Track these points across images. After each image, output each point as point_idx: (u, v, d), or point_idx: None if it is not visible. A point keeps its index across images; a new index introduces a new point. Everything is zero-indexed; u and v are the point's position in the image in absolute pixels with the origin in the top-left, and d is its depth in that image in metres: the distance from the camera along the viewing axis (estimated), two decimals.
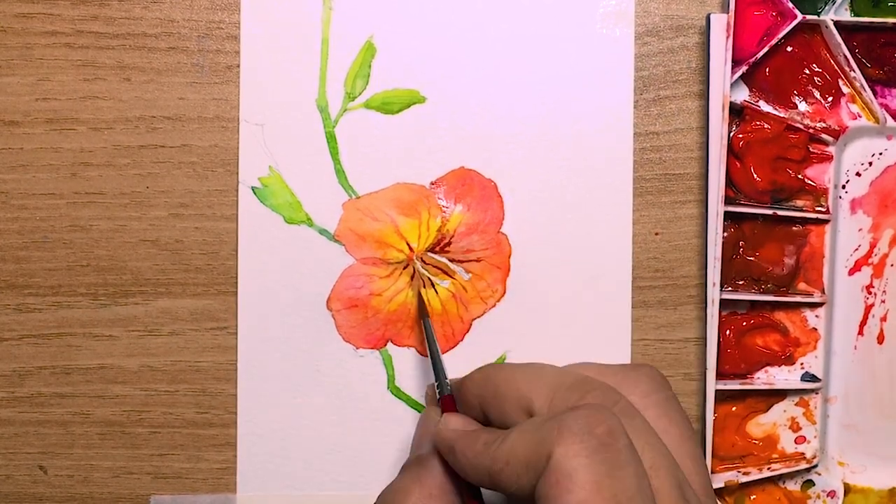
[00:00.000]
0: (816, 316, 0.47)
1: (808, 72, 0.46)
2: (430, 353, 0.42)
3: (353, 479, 0.46)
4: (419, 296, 0.45)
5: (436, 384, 0.41)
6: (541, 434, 0.33)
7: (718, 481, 0.46)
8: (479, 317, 0.46)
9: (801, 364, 0.47)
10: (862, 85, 0.45)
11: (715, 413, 0.45)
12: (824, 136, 0.46)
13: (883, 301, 0.47)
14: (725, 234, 0.45)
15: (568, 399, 0.35)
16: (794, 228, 0.46)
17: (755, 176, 0.45)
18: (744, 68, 0.45)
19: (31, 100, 0.45)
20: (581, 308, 0.46)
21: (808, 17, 0.45)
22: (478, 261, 0.46)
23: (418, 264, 0.46)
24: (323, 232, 0.45)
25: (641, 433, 0.34)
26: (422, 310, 0.45)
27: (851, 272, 0.47)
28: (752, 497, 0.46)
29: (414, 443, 0.40)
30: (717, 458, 0.46)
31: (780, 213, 0.46)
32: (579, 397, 0.35)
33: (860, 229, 0.47)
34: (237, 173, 0.45)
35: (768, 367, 0.47)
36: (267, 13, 0.45)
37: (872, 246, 0.47)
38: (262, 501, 0.46)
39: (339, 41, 0.45)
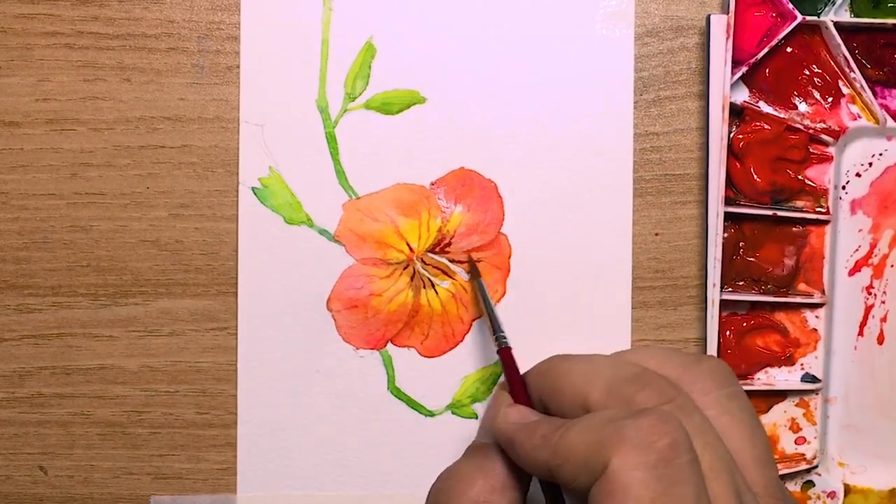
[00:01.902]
0: (816, 317, 0.47)
1: (807, 73, 0.46)
2: (486, 309, 0.43)
3: (353, 479, 0.46)
4: (470, 258, 0.45)
5: (495, 341, 0.41)
6: (600, 437, 0.32)
7: None
8: (479, 317, 0.46)
9: (801, 365, 0.47)
10: (862, 86, 0.45)
11: None
12: (824, 136, 0.46)
13: (883, 302, 0.47)
14: (725, 235, 0.45)
15: (624, 393, 0.34)
16: (794, 229, 0.46)
17: (755, 176, 0.45)
18: (744, 69, 0.45)
19: (32, 100, 0.45)
20: (581, 308, 0.46)
21: (808, 17, 0.45)
22: (478, 261, 0.46)
23: (418, 265, 0.46)
24: (323, 232, 0.45)
25: (700, 433, 0.32)
26: (473, 271, 0.45)
27: (851, 273, 0.47)
28: None
29: (481, 426, 0.40)
30: None
31: (780, 213, 0.46)
32: (636, 391, 0.33)
33: (860, 230, 0.47)
34: (237, 174, 0.45)
35: (768, 368, 0.47)
36: (267, 13, 0.45)
37: (872, 247, 0.47)
38: (262, 502, 0.46)
39: (339, 42, 0.45)
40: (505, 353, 0.41)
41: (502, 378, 0.42)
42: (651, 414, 0.32)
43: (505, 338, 0.41)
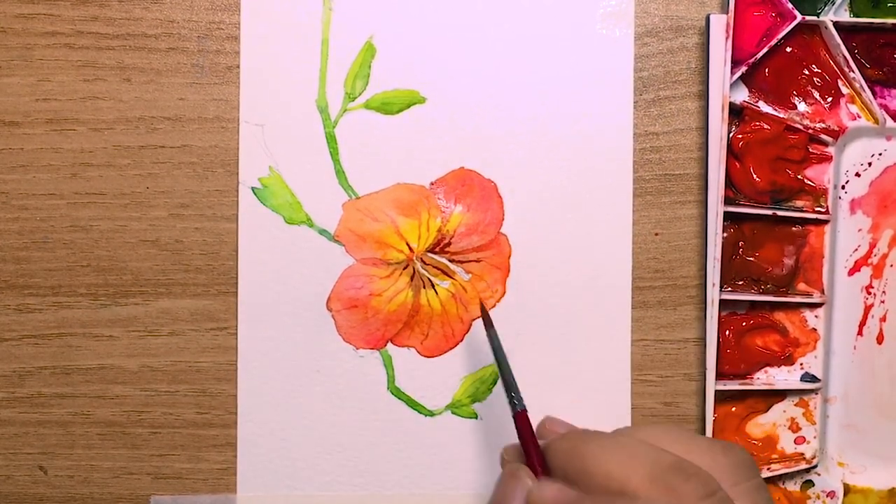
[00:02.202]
0: (816, 316, 0.47)
1: (807, 72, 0.46)
2: (499, 365, 0.40)
3: (353, 479, 0.46)
4: (482, 306, 0.44)
5: (509, 402, 0.39)
6: None
7: None
8: (479, 317, 0.46)
9: (801, 364, 0.47)
10: (861, 85, 0.45)
11: (715, 413, 0.45)
12: (824, 136, 0.46)
13: (882, 301, 0.47)
14: (725, 235, 0.45)
15: (669, 482, 0.33)
16: (793, 229, 0.46)
17: (755, 176, 0.46)
18: (743, 69, 0.45)
19: (32, 100, 0.45)
20: (581, 308, 0.46)
21: (808, 17, 0.45)
22: (478, 261, 0.46)
23: (418, 265, 0.46)
24: (323, 232, 0.45)
25: None
26: (486, 320, 0.42)
27: (851, 272, 0.47)
28: None
29: (493, 502, 0.37)
30: None
31: (779, 213, 0.46)
32: (681, 481, 0.33)
33: (860, 230, 0.47)
34: (237, 174, 0.45)
35: (768, 368, 0.47)
36: (267, 13, 0.45)
37: (872, 246, 0.47)
38: (262, 501, 0.46)
39: (339, 42, 0.45)
40: (521, 417, 0.38)
41: (508, 445, 0.39)
42: None
43: (521, 399, 0.39)
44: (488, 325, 0.42)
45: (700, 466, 0.34)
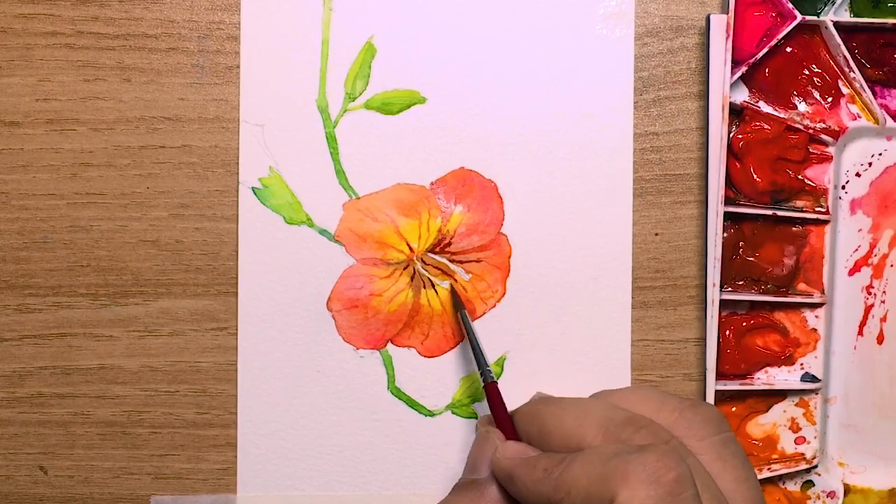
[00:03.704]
0: (816, 316, 0.47)
1: (807, 72, 0.46)
2: (471, 342, 0.43)
3: (353, 479, 0.46)
4: (452, 288, 0.45)
5: (480, 376, 0.42)
6: (606, 470, 0.32)
7: None
8: (479, 317, 0.46)
9: (801, 364, 0.47)
10: (861, 85, 0.45)
11: None
12: (824, 136, 0.46)
13: (883, 301, 0.47)
14: (725, 235, 0.45)
15: (621, 435, 0.35)
16: (793, 229, 0.46)
17: (755, 176, 0.46)
18: (743, 69, 0.45)
19: (32, 100, 0.45)
20: (581, 308, 0.46)
21: (808, 17, 0.45)
22: (478, 261, 0.46)
23: (418, 265, 0.46)
24: (323, 232, 0.45)
25: (696, 474, 0.33)
26: (456, 302, 0.45)
27: (851, 273, 0.47)
28: None
29: (468, 464, 0.40)
30: None
31: (779, 213, 0.46)
32: (632, 432, 0.34)
33: (860, 230, 0.47)
34: (237, 174, 0.45)
35: (768, 368, 0.47)
36: (267, 13, 0.45)
37: (872, 246, 0.47)
38: (262, 502, 0.46)
39: (340, 42, 0.45)
40: (491, 388, 0.41)
41: (483, 415, 0.43)
42: (656, 449, 0.33)
43: (491, 372, 0.42)
44: (459, 306, 0.45)
45: (656, 421, 0.36)
